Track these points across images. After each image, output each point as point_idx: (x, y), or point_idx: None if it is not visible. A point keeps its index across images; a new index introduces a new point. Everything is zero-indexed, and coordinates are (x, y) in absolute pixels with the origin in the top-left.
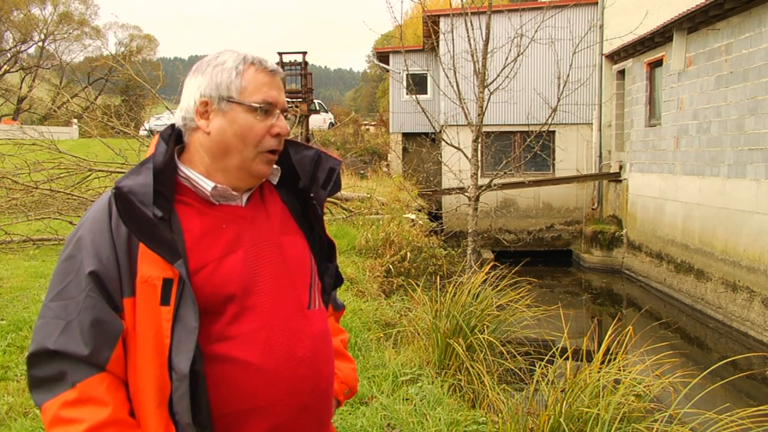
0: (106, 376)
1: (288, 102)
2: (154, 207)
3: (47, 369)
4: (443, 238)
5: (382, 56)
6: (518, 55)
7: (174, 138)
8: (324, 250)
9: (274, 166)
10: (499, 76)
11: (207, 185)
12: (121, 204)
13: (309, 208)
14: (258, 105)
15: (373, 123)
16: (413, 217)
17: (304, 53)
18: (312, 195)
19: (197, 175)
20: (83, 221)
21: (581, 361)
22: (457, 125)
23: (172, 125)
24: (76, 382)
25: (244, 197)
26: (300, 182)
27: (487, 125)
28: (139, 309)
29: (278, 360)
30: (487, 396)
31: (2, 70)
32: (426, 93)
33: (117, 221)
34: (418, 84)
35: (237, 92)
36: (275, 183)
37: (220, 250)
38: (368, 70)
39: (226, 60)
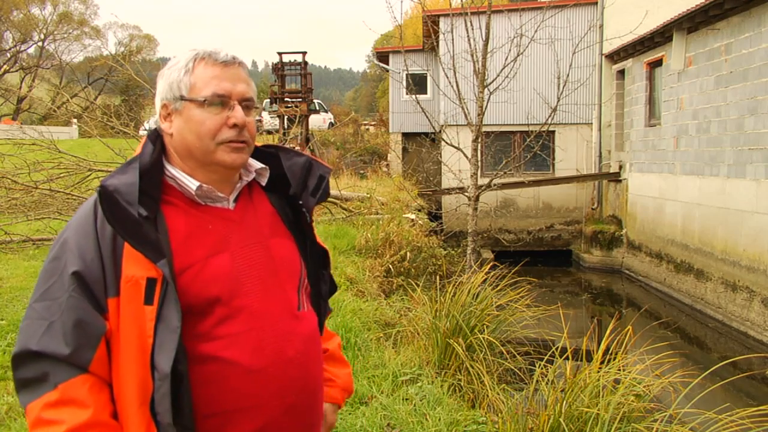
0: (89, 377)
1: (288, 102)
2: (139, 206)
3: (31, 370)
4: (443, 238)
5: (382, 56)
6: (518, 55)
7: (161, 139)
8: (318, 257)
9: (261, 165)
10: (498, 76)
11: (192, 184)
12: (105, 203)
13: (300, 215)
14: (205, 99)
15: (373, 123)
16: (413, 217)
17: (304, 53)
18: (301, 202)
19: (183, 174)
20: (69, 223)
21: (581, 361)
22: (456, 125)
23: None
24: (57, 383)
25: (231, 198)
26: (291, 189)
27: (487, 125)
28: (123, 309)
29: (268, 361)
30: (487, 396)
31: (2, 70)
32: (426, 93)
33: (102, 221)
34: (417, 84)
35: (187, 90)
36: (264, 184)
37: (206, 250)
38: (368, 70)
39: (179, 60)
